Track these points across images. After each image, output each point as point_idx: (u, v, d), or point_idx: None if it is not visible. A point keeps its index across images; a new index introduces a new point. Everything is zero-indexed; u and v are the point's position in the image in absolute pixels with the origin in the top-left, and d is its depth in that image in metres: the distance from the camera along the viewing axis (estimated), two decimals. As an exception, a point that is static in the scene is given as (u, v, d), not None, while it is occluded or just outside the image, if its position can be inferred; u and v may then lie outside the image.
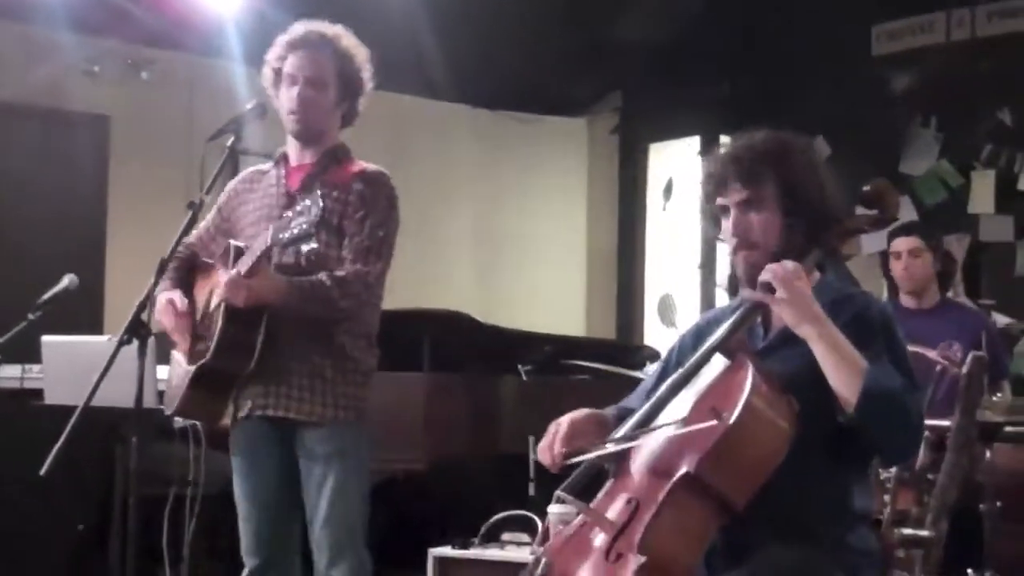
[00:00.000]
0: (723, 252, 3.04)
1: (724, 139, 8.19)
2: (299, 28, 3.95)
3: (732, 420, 2.64)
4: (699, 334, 3.07)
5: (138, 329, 3.50)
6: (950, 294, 5.89)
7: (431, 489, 5.58)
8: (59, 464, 3.35)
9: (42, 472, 3.35)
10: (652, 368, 3.24)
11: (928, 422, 4.22)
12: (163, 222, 4.03)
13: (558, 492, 2.87)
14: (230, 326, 3.71)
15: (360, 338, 3.91)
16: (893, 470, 3.96)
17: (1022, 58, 7.04)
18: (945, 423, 4.17)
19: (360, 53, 3.98)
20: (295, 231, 3.45)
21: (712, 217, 2.99)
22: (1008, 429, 5.12)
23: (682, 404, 2.82)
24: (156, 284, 3.71)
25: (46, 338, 4.96)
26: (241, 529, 3.97)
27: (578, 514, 2.88)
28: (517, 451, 5.28)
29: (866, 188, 2.92)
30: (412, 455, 5.25)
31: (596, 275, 9.28)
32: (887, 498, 4.15)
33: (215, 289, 3.83)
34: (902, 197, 7.23)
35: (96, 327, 6.66)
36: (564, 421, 2.97)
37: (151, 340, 3.62)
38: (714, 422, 2.65)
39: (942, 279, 5.60)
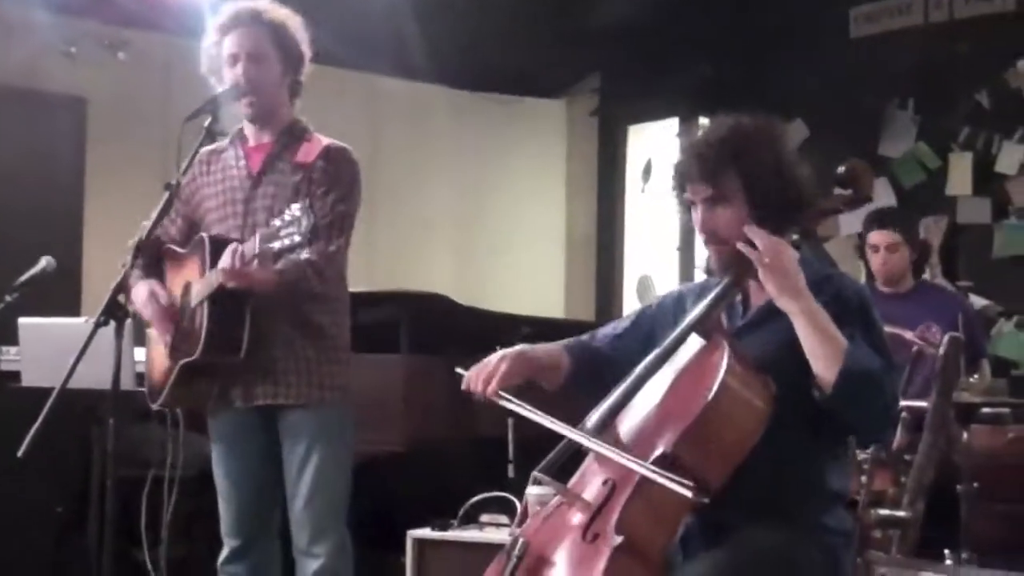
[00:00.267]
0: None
1: (703, 121, 8.22)
2: (229, 8, 3.93)
3: (707, 400, 2.65)
4: (680, 304, 3.08)
5: (115, 311, 3.48)
6: (927, 276, 5.90)
7: (410, 471, 5.58)
8: (36, 446, 3.35)
9: (19, 454, 3.35)
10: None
11: (906, 403, 4.25)
12: (141, 204, 4.00)
13: (535, 473, 2.88)
14: (216, 320, 3.70)
15: (334, 314, 3.92)
16: (870, 451, 3.97)
17: (1000, 40, 7.05)
18: (923, 404, 4.18)
19: (294, 22, 3.96)
20: (286, 242, 3.42)
21: (684, 205, 2.99)
22: (985, 410, 5.15)
23: (659, 384, 2.83)
24: (133, 266, 3.70)
25: (23, 320, 4.95)
26: (221, 510, 3.98)
27: (555, 495, 2.89)
28: (496, 433, 5.29)
29: (840, 169, 2.93)
30: (391, 437, 5.25)
31: (575, 256, 9.28)
32: (864, 479, 4.18)
33: (191, 282, 3.81)
34: (880, 179, 7.24)
35: (74, 309, 6.62)
36: (508, 355, 2.99)
37: (128, 322, 3.61)
38: (689, 403, 2.66)
39: (917, 264, 5.63)
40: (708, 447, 2.66)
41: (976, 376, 5.14)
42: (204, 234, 3.84)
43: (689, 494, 2.56)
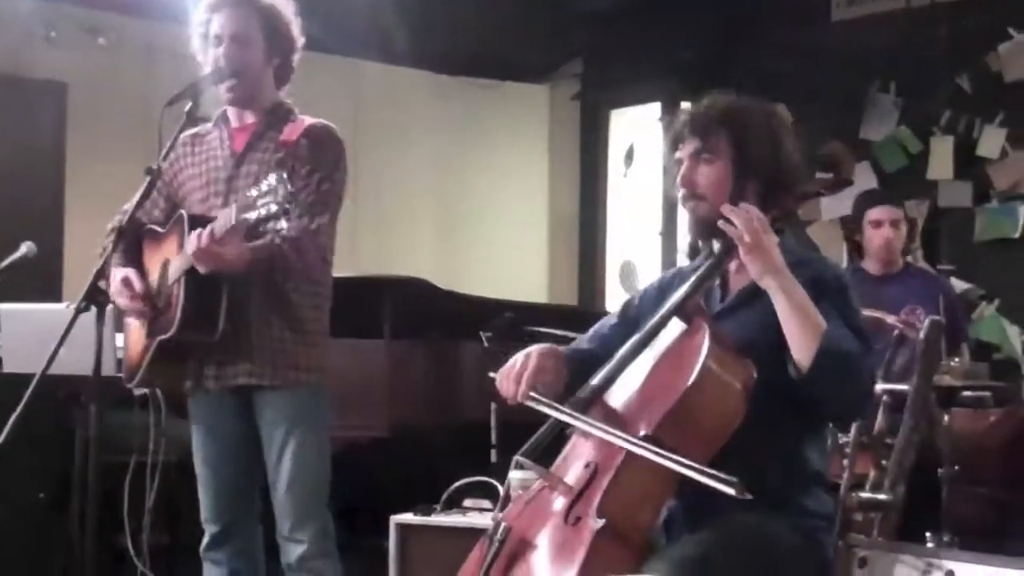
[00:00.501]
0: (684, 218, 3.05)
1: (685, 105, 8.21)
2: None
3: (688, 383, 2.66)
4: (661, 292, 3.08)
5: (96, 296, 3.47)
6: (910, 258, 5.92)
7: (393, 456, 5.58)
8: (18, 432, 3.34)
9: (0, 440, 3.33)
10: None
11: (887, 387, 4.26)
12: (122, 189, 3.99)
13: (517, 457, 2.88)
14: (192, 298, 3.68)
15: (315, 297, 3.90)
16: (851, 434, 3.98)
17: (981, 24, 7.06)
18: (904, 387, 4.19)
19: (286, 8, 3.93)
20: (262, 212, 3.37)
21: (674, 176, 3.00)
22: (966, 394, 5.16)
23: (640, 368, 2.84)
24: (114, 251, 3.69)
25: (3, 306, 4.93)
26: (200, 496, 3.97)
27: (538, 479, 2.89)
28: (478, 418, 5.29)
29: (822, 152, 2.94)
30: (373, 422, 5.25)
31: (558, 241, 9.28)
32: (845, 462, 4.19)
33: (170, 259, 3.80)
34: (863, 163, 7.26)
35: (55, 295, 6.61)
36: (532, 355, 2.97)
37: (109, 307, 3.60)
38: (670, 386, 2.67)
39: (905, 246, 5.66)
40: (689, 430, 2.66)
41: (957, 360, 5.16)
42: (183, 211, 3.82)
43: (679, 468, 2.56)
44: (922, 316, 5.03)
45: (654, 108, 8.78)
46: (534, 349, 3.00)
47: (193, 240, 3.56)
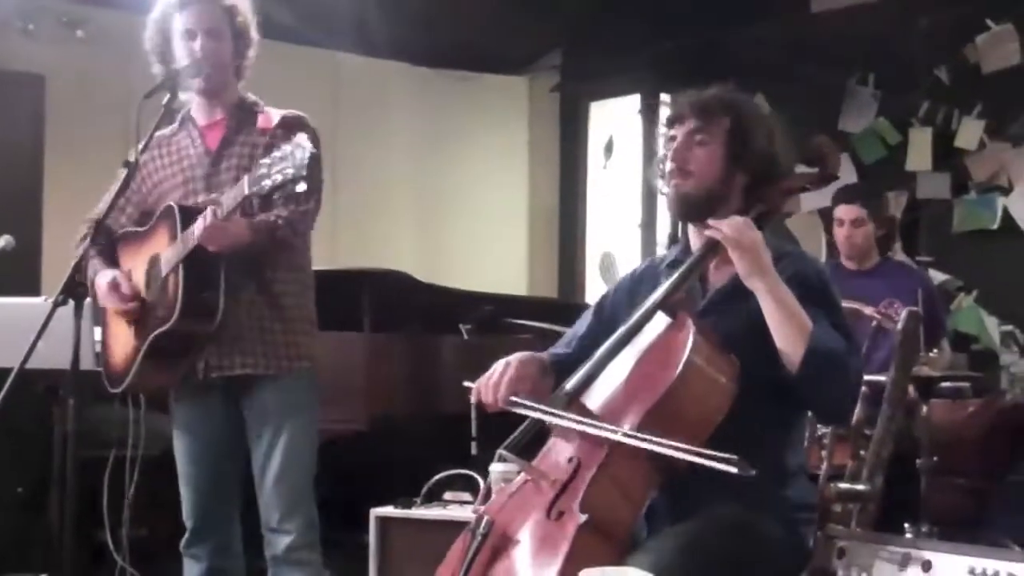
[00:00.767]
0: (663, 210, 3.06)
1: (664, 97, 8.23)
2: None
3: (673, 378, 2.66)
4: (633, 287, 3.09)
5: (74, 289, 3.46)
6: (889, 253, 5.93)
7: (373, 449, 5.58)
8: (-4, 426, 3.34)
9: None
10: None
11: (866, 377, 4.26)
12: (100, 182, 3.98)
13: (500, 450, 2.88)
14: (191, 286, 3.67)
15: (300, 284, 3.92)
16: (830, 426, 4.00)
17: (959, 16, 7.07)
18: (882, 378, 4.19)
19: (245, 5, 3.94)
20: (278, 178, 3.37)
21: (660, 157, 3.00)
22: (945, 385, 5.18)
23: (624, 362, 2.84)
24: (92, 244, 3.67)
25: (-19, 300, 4.91)
26: (183, 493, 3.96)
27: (520, 472, 2.89)
28: (459, 410, 5.25)
29: (807, 146, 2.95)
30: (353, 415, 5.24)
31: (538, 233, 9.28)
32: (824, 453, 4.20)
33: (159, 253, 3.78)
34: (842, 155, 7.27)
35: (33, 288, 6.58)
36: (512, 363, 2.97)
37: (88, 301, 3.59)
38: (655, 380, 2.67)
39: (884, 241, 5.66)
40: (674, 424, 2.66)
41: (937, 351, 5.17)
42: (173, 203, 3.80)
43: (671, 452, 2.56)
44: (899, 309, 5.05)
45: (634, 100, 8.79)
46: (514, 357, 3.00)
47: (207, 217, 3.55)
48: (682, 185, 2.91)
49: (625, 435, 2.64)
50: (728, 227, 2.77)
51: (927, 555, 2.76)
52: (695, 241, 2.96)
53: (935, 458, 4.62)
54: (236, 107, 3.93)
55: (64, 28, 7.30)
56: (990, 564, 2.68)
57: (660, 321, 2.83)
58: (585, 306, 3.33)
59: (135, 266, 3.89)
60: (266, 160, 3.41)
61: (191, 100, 3.94)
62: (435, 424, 5.64)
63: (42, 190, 7.32)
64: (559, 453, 2.83)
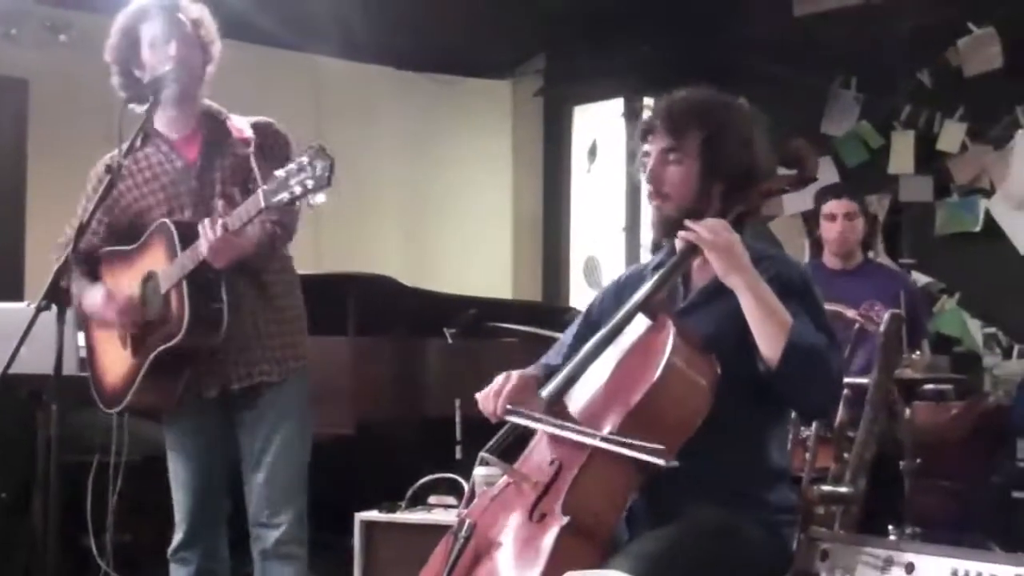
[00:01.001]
0: (647, 214, 3.07)
1: (647, 101, 8.23)
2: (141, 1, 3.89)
3: (654, 380, 2.67)
4: (619, 292, 3.09)
5: (57, 295, 3.46)
6: (871, 254, 5.95)
7: (357, 453, 5.57)
8: (-21, 432, 3.33)
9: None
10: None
11: (848, 380, 4.27)
12: (84, 187, 3.97)
13: (482, 454, 2.89)
14: (196, 301, 3.66)
15: (289, 285, 3.94)
16: (813, 428, 4.00)
17: (941, 19, 7.09)
18: (864, 381, 4.21)
19: (206, 16, 3.92)
20: (296, 190, 3.35)
21: (640, 164, 3.01)
22: (927, 387, 5.20)
23: (605, 365, 2.84)
24: (75, 250, 3.65)
25: (-36, 305, 4.90)
26: (176, 497, 3.96)
27: (502, 475, 2.90)
28: (443, 414, 5.28)
29: (785, 148, 2.95)
30: (338, 419, 5.24)
31: (522, 237, 9.28)
32: (807, 456, 4.20)
33: (155, 270, 3.76)
34: (824, 158, 7.29)
35: (16, 294, 6.57)
36: (514, 376, 2.99)
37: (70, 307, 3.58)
38: (635, 382, 2.67)
39: (865, 241, 5.67)
40: (654, 426, 2.67)
41: (919, 353, 5.18)
42: (167, 220, 3.77)
43: (652, 458, 2.56)
44: (881, 311, 5.06)
45: (617, 104, 8.79)
46: (515, 372, 3.01)
47: (216, 231, 3.54)
48: (662, 207, 2.93)
49: (601, 438, 2.65)
50: (703, 229, 2.79)
51: (910, 557, 2.77)
52: (679, 244, 2.97)
53: (918, 460, 4.64)
54: (204, 116, 3.90)
55: (47, 33, 7.28)
56: (973, 566, 2.69)
57: (641, 323, 2.84)
58: (569, 309, 3.35)
59: (126, 283, 3.84)
60: (281, 172, 3.39)
61: (153, 114, 3.81)
62: (420, 428, 5.64)
63: (25, 195, 7.30)
64: (541, 455, 2.83)
